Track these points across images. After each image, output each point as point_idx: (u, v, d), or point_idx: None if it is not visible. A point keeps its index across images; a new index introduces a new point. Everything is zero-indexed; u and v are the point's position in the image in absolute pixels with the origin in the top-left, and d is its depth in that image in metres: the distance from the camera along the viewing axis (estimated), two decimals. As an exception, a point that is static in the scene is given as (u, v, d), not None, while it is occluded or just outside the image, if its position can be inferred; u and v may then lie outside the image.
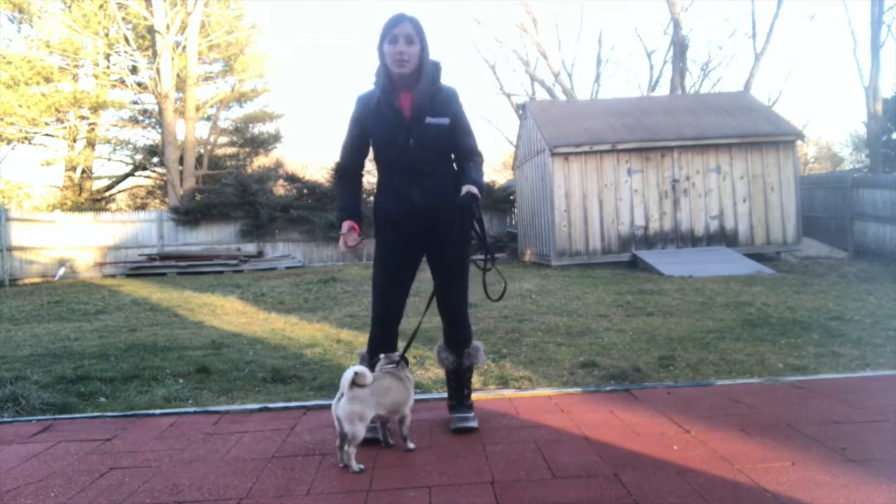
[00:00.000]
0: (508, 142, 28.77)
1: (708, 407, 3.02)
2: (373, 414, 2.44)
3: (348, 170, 2.87)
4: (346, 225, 2.74)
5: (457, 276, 2.82)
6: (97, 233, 17.64)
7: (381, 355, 2.71)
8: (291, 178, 20.80)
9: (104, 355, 4.96)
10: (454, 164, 2.83)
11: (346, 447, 2.37)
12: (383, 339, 2.82)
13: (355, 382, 2.38)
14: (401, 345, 2.89)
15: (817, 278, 9.25)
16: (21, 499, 2.24)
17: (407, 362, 2.74)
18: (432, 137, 2.69)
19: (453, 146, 2.79)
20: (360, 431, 2.38)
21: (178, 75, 21.01)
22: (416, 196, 2.69)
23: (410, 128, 2.66)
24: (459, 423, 2.77)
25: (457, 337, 2.88)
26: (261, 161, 28.24)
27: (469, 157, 2.79)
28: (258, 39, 25.49)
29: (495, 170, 38.47)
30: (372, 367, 2.68)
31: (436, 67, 2.73)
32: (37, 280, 15.60)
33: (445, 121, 2.71)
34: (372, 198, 3.13)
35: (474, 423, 2.78)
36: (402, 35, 2.60)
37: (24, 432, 3.04)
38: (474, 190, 2.64)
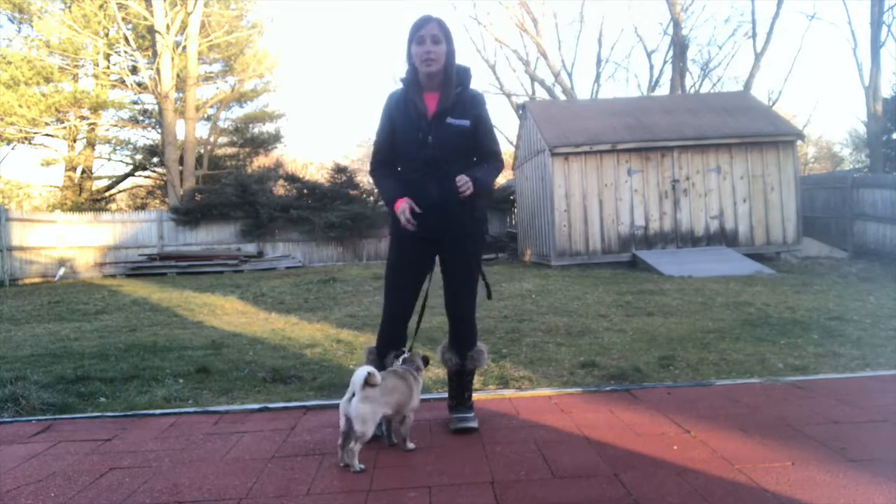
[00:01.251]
0: (508, 142, 28.71)
1: (708, 407, 3.02)
2: (382, 413, 2.46)
3: (385, 161, 2.88)
4: (401, 204, 2.67)
5: (467, 277, 2.84)
6: (97, 233, 17.63)
7: (405, 351, 2.74)
8: (291, 178, 20.79)
9: (104, 355, 4.96)
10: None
11: (350, 445, 2.37)
12: (393, 336, 2.86)
13: (367, 382, 2.37)
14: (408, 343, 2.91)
15: (817, 278, 9.25)
16: (21, 499, 2.24)
17: (427, 363, 2.78)
18: (451, 137, 2.72)
19: (475, 149, 2.82)
20: (370, 431, 2.39)
21: (178, 75, 20.99)
22: (433, 192, 2.71)
23: (431, 126, 2.71)
24: (459, 424, 2.78)
25: (462, 338, 2.89)
26: (261, 161, 28.24)
27: (488, 160, 2.83)
28: (258, 39, 25.50)
29: (495, 170, 38.37)
30: (383, 363, 2.73)
31: (465, 72, 2.80)
32: (37, 280, 15.60)
33: (466, 122, 2.74)
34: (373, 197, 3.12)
35: (474, 424, 2.79)
36: (429, 35, 2.67)
37: (24, 432, 3.04)
38: (465, 178, 2.62)
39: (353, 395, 2.36)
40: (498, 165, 2.86)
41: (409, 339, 2.91)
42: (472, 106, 2.77)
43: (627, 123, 13.17)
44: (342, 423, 2.40)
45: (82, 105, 22.85)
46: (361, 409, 2.35)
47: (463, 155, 2.79)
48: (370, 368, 2.41)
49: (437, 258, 2.87)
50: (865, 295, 7.27)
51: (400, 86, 2.84)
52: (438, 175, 2.70)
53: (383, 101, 2.86)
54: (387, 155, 2.86)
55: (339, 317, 6.89)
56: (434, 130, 2.71)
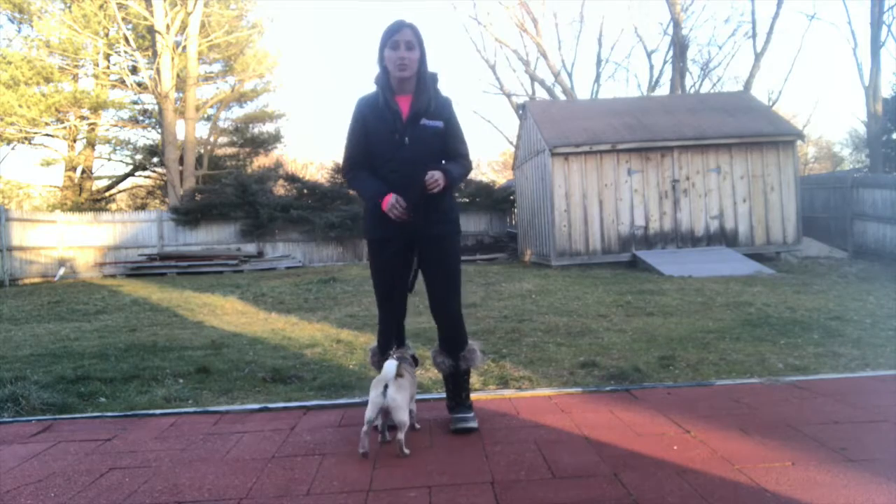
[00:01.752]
0: (508, 142, 28.72)
1: (708, 407, 3.02)
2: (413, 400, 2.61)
3: (359, 162, 2.87)
4: (389, 199, 2.67)
5: (449, 275, 2.88)
6: (97, 233, 17.63)
7: (394, 349, 2.81)
8: (291, 178, 20.80)
9: (104, 355, 4.96)
10: None
11: (397, 435, 2.48)
12: (393, 336, 2.94)
13: (397, 373, 2.50)
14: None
15: (817, 278, 9.25)
16: (21, 499, 2.24)
17: (416, 362, 2.89)
18: (426, 138, 2.78)
19: (445, 150, 2.87)
20: (408, 416, 2.52)
21: (178, 75, 20.99)
22: (409, 192, 2.73)
23: (406, 127, 2.75)
24: (460, 424, 2.79)
25: (451, 338, 2.91)
26: (261, 161, 28.24)
27: (457, 159, 2.89)
28: (258, 39, 25.51)
29: (495, 170, 38.45)
30: (382, 361, 2.77)
31: (434, 77, 2.85)
32: (37, 280, 15.60)
33: (440, 124, 2.81)
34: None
35: (474, 424, 2.79)
36: (403, 41, 2.72)
37: (24, 432, 3.04)
38: (435, 174, 2.68)
39: (386, 387, 2.46)
40: (467, 165, 2.93)
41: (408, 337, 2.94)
42: (442, 108, 2.83)
43: (627, 123, 13.17)
44: (371, 413, 2.48)
45: (82, 105, 22.85)
46: (399, 398, 2.47)
47: (437, 156, 2.84)
48: (396, 361, 2.54)
49: (415, 259, 2.90)
50: (865, 295, 7.27)
51: (373, 87, 2.85)
52: (414, 176, 2.73)
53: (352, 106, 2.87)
54: (360, 159, 2.86)
55: (339, 317, 6.89)
56: (410, 132, 2.75)
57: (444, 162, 2.86)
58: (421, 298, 3.04)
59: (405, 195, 2.70)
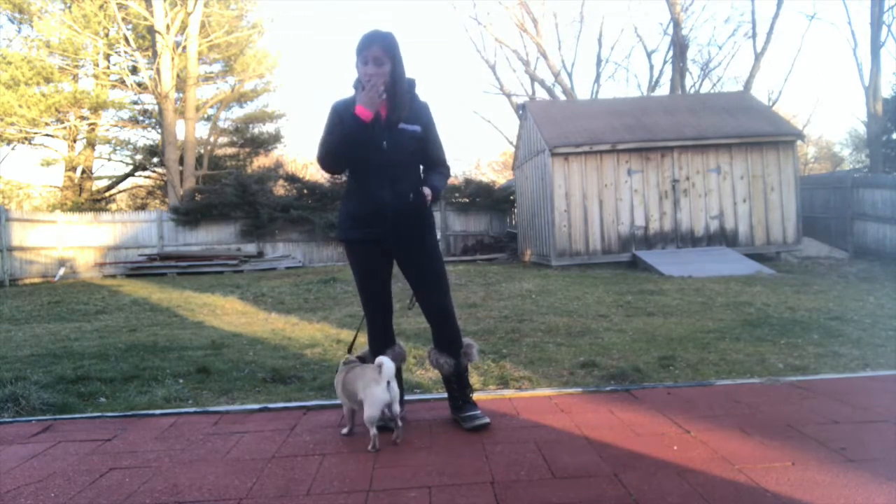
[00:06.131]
0: (508, 142, 28.73)
1: (708, 407, 3.02)
2: None
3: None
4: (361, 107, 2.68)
5: (435, 275, 2.89)
6: (97, 233, 17.63)
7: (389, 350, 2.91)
8: (291, 178, 20.78)
9: (104, 355, 4.96)
10: (422, 175, 2.94)
11: (397, 423, 2.63)
12: (382, 337, 2.94)
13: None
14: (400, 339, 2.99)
15: (817, 278, 9.25)
16: (21, 499, 2.24)
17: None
18: (404, 142, 2.80)
19: (423, 156, 2.90)
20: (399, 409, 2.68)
21: (178, 75, 20.98)
22: (387, 196, 2.76)
23: (384, 131, 2.77)
24: (476, 422, 2.80)
25: (450, 337, 2.91)
26: (261, 161, 28.23)
27: (437, 167, 2.93)
28: (258, 39, 25.50)
29: (495, 170, 38.46)
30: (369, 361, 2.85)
31: (411, 83, 2.87)
32: (37, 280, 15.59)
33: (417, 128, 2.83)
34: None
35: (487, 420, 2.82)
36: (372, 58, 2.71)
37: (24, 432, 3.04)
38: (428, 191, 2.79)
39: (388, 383, 2.55)
40: (446, 171, 2.98)
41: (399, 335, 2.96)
42: (420, 114, 2.86)
43: (627, 123, 13.17)
44: (377, 412, 2.55)
45: (82, 105, 22.84)
46: (397, 391, 2.61)
47: (415, 160, 2.87)
48: (391, 359, 2.63)
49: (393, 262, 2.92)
50: (865, 295, 7.27)
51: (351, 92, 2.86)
52: (392, 178, 2.77)
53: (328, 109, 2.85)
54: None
55: (340, 317, 6.89)
56: (388, 135, 2.77)
57: (422, 168, 2.91)
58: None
59: (382, 197, 2.75)
